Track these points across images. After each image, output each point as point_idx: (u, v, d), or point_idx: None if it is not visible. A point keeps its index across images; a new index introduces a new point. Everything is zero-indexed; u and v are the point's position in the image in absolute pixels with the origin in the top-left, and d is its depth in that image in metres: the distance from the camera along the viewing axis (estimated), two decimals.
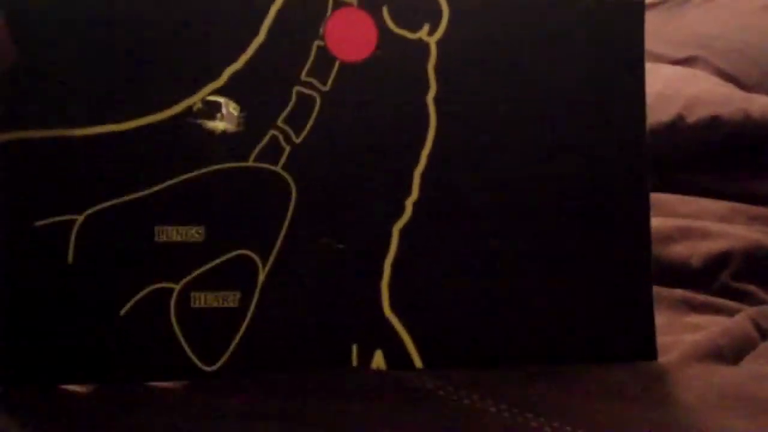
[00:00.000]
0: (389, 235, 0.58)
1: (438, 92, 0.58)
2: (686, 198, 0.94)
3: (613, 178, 0.61)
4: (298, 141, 0.57)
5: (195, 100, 0.56)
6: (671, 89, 1.02)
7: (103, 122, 0.55)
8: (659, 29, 1.35)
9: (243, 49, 0.56)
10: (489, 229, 0.59)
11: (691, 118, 0.98)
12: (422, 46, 0.58)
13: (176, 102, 0.56)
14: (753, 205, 0.94)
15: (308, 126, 0.57)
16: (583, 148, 0.61)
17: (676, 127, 0.98)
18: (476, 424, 0.53)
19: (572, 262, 0.60)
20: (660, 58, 1.23)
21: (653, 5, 1.40)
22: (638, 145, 0.61)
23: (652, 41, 1.26)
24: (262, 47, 0.56)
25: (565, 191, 0.60)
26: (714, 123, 0.97)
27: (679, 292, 0.76)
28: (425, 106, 0.58)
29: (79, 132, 0.55)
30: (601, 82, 0.61)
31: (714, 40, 1.27)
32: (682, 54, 1.26)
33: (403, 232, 0.58)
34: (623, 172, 0.61)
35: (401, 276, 0.58)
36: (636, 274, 0.61)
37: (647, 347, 0.61)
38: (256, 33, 0.56)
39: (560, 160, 0.60)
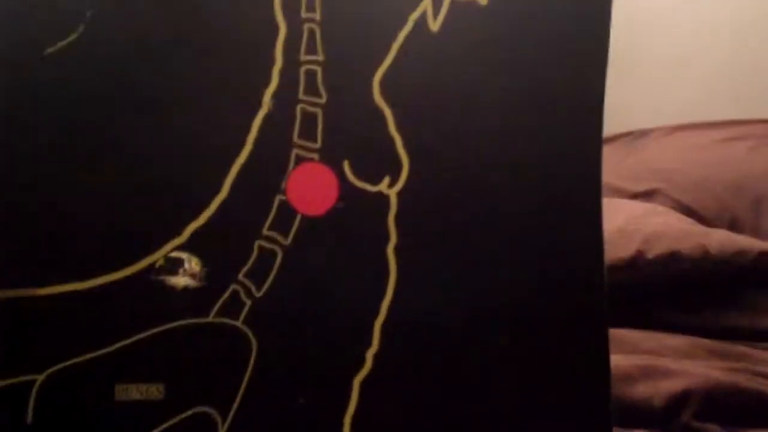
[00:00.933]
0: (350, 387, 0.58)
1: (398, 242, 0.59)
2: (646, 334, 0.95)
3: (572, 315, 0.61)
4: (259, 295, 0.57)
5: (157, 257, 0.57)
6: (631, 225, 1.04)
7: (65, 281, 0.56)
8: (619, 162, 1.39)
9: (205, 206, 0.57)
10: (451, 380, 0.60)
11: (651, 254, 1.00)
12: (383, 198, 0.59)
13: (139, 259, 0.56)
14: (713, 339, 0.95)
15: (269, 280, 0.58)
16: (542, 285, 0.61)
17: (636, 262, 1.00)
18: None
19: (534, 407, 0.61)
20: (620, 191, 1.26)
21: (613, 139, 1.44)
22: (596, 283, 0.62)
23: (612, 175, 1.30)
24: (224, 203, 0.57)
25: (525, 333, 0.61)
26: (673, 258, 0.99)
27: None
28: (385, 257, 0.59)
29: (41, 291, 0.56)
30: (562, 221, 0.62)
31: (673, 173, 1.30)
32: (641, 187, 1.29)
33: (364, 385, 0.58)
34: (582, 310, 0.62)
35: (362, 431, 0.58)
36: (595, 416, 0.61)
37: None
38: (218, 190, 0.57)
39: (520, 303, 0.61)
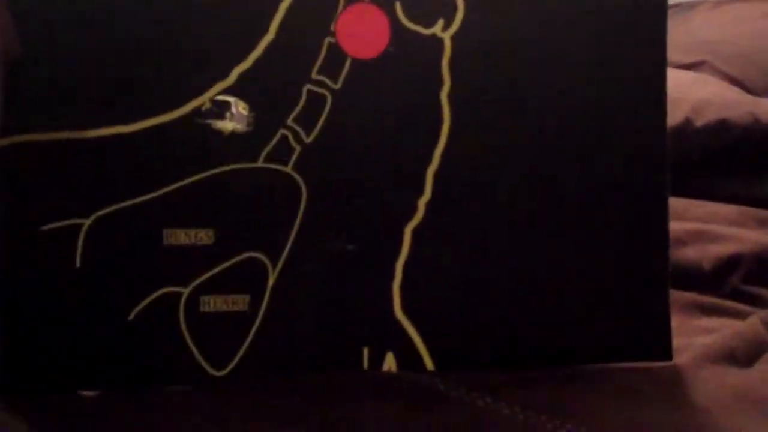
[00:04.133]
0: (401, 235, 0.57)
1: (452, 88, 0.57)
2: (696, 201, 0.93)
3: (633, 180, 0.60)
4: (308, 141, 0.56)
5: (204, 100, 0.55)
6: (679, 93, 1.01)
7: (110, 124, 0.55)
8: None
9: (252, 48, 0.55)
10: (503, 230, 0.58)
11: (699, 122, 0.97)
12: (436, 42, 0.57)
13: (185, 102, 0.55)
14: (762, 208, 0.93)
15: (319, 125, 0.56)
16: (601, 149, 0.59)
17: (684, 130, 0.97)
18: (490, 425, 0.52)
19: (588, 263, 0.59)
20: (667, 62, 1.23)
21: None
22: (659, 148, 0.60)
23: None
24: (271, 45, 0.56)
25: (583, 193, 0.59)
26: (722, 126, 0.97)
27: (690, 296, 0.75)
28: (439, 103, 0.57)
29: (86, 134, 0.54)
30: (621, 84, 0.60)
31: (720, 45, 1.27)
32: (688, 59, 1.26)
33: (416, 233, 0.57)
34: (643, 175, 0.60)
35: (413, 278, 0.57)
36: (653, 277, 0.61)
37: (663, 349, 0.60)
38: (265, 31, 0.56)
39: (579, 161, 0.59)
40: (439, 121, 0.57)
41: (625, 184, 0.60)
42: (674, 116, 0.98)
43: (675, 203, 0.91)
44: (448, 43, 0.57)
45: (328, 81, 0.56)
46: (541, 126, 0.59)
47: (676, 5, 1.44)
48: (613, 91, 0.59)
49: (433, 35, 0.57)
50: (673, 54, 1.26)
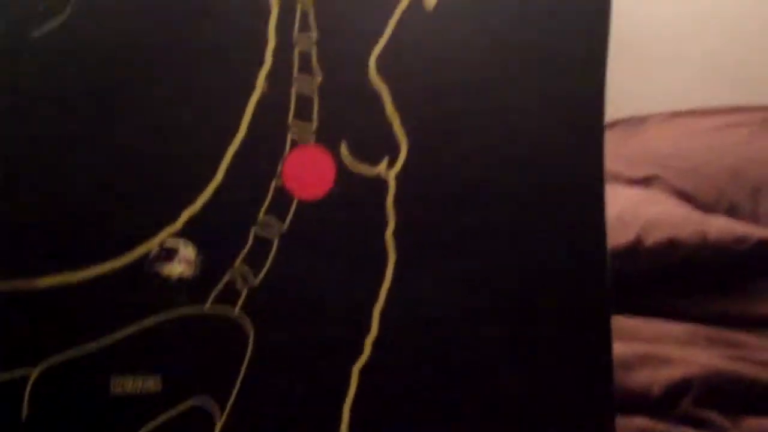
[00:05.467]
0: (349, 376, 0.57)
1: (397, 226, 0.58)
2: (646, 321, 0.94)
3: (575, 302, 0.60)
4: (255, 283, 0.56)
5: (152, 245, 0.55)
6: (629, 212, 1.03)
7: (59, 271, 0.54)
8: (618, 148, 1.38)
9: (201, 191, 0.56)
10: (449, 365, 0.59)
11: (649, 241, 0.99)
12: (381, 181, 0.58)
13: (134, 248, 0.55)
14: (712, 326, 0.94)
15: (266, 267, 0.56)
16: (543, 281, 0.60)
17: (634, 249, 0.99)
18: None
19: (530, 392, 0.59)
20: (619, 177, 1.25)
21: (611, 125, 1.43)
22: (599, 271, 0.61)
23: (610, 160, 1.28)
24: (219, 188, 0.56)
25: (525, 325, 0.60)
26: (672, 245, 0.98)
27: (639, 421, 0.76)
28: (384, 241, 0.58)
29: (35, 284, 0.54)
30: (564, 208, 0.61)
31: (671, 159, 1.30)
32: (640, 173, 1.28)
33: (363, 372, 0.57)
34: (585, 298, 0.61)
35: (361, 419, 0.57)
36: (597, 403, 0.61)
37: None
38: (213, 175, 0.56)
39: (522, 289, 0.60)
40: (385, 259, 0.58)
41: (567, 310, 0.60)
42: (624, 235, 1.00)
43: (624, 322, 0.92)
44: (392, 182, 0.58)
45: (275, 222, 0.57)
46: (484, 262, 0.59)
47: (628, 119, 1.47)
48: (554, 229, 0.60)
49: (378, 174, 0.58)
50: (624, 168, 1.29)
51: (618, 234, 0.98)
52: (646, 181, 1.27)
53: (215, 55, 0.56)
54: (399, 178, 0.58)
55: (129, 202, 0.56)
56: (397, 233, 0.58)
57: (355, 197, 0.58)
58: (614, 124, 1.45)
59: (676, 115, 1.47)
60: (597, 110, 0.61)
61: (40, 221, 0.55)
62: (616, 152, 1.35)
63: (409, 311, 0.58)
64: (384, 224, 0.58)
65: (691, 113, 1.45)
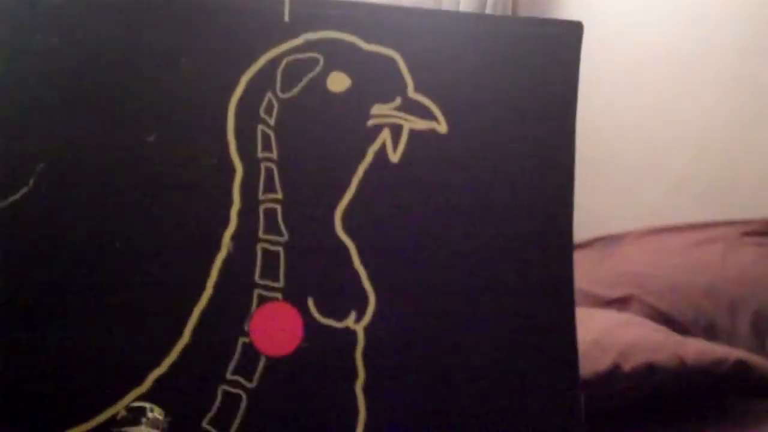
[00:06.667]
0: None
1: (366, 379, 0.58)
2: None
3: None
4: None
5: (119, 408, 0.55)
6: (606, 337, 1.03)
7: None
8: (593, 268, 1.39)
9: (167, 353, 0.56)
10: None
11: (627, 366, 0.99)
12: (350, 334, 0.59)
13: (100, 411, 0.55)
14: None
15: (235, 425, 0.56)
16: (517, 412, 0.60)
17: (612, 375, 0.99)
18: None
19: None
20: (595, 298, 1.26)
21: (586, 244, 1.44)
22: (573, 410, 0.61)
23: (586, 281, 1.29)
24: (186, 349, 0.56)
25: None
26: (649, 370, 0.98)
27: None
28: (354, 394, 0.58)
29: None
30: (531, 346, 0.61)
31: (647, 278, 1.30)
32: (616, 293, 1.29)
33: None
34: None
35: None
36: None
37: None
38: (179, 335, 0.56)
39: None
40: (355, 413, 0.58)
41: None
42: (603, 361, 1.00)
43: None
44: (361, 335, 0.58)
45: (243, 380, 0.57)
46: (461, 406, 0.59)
47: (603, 237, 1.48)
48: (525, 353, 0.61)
49: (346, 328, 0.58)
50: (600, 288, 1.30)
51: (595, 360, 0.98)
52: (622, 301, 1.27)
53: (180, 219, 0.57)
54: (368, 330, 0.59)
55: (94, 367, 0.56)
56: (366, 387, 0.58)
57: (324, 351, 0.58)
58: (589, 243, 1.46)
59: (650, 232, 1.48)
60: (566, 238, 0.63)
61: (12, 388, 0.55)
62: (592, 272, 1.36)
63: None
64: (354, 377, 0.58)
65: (665, 230, 1.46)
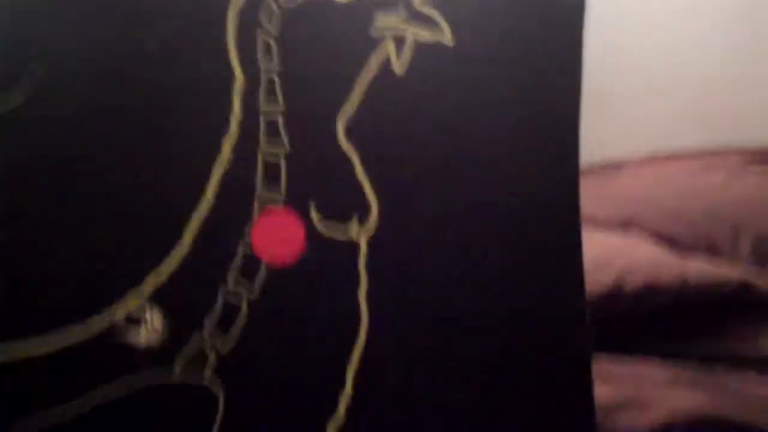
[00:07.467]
0: None
1: (369, 287, 0.58)
2: (627, 363, 0.94)
3: (554, 351, 0.61)
4: (225, 351, 0.56)
5: (117, 310, 0.55)
6: (607, 257, 1.04)
7: (24, 338, 0.54)
8: (595, 193, 1.39)
9: (167, 258, 0.56)
10: (429, 427, 0.58)
11: (628, 286, 0.99)
12: (352, 244, 0.58)
13: (98, 312, 0.55)
14: (695, 368, 0.94)
15: (235, 334, 0.56)
16: (523, 327, 0.60)
17: (613, 295, 0.99)
18: None
19: None
20: (596, 222, 1.26)
21: (588, 171, 1.44)
22: (578, 318, 0.61)
23: (588, 205, 1.29)
24: (186, 257, 0.56)
25: (506, 372, 0.60)
26: (651, 290, 0.98)
27: None
28: (357, 302, 0.58)
29: None
30: (538, 261, 0.61)
31: (648, 202, 1.30)
32: (617, 217, 1.29)
33: None
34: (565, 345, 0.61)
35: None
36: None
37: None
38: (180, 244, 0.56)
39: (500, 344, 0.60)
40: (357, 321, 0.58)
41: (547, 355, 0.61)
42: (603, 281, 1.00)
43: (608, 366, 0.92)
44: (363, 245, 0.58)
45: (244, 289, 0.57)
46: (464, 318, 0.59)
47: (605, 164, 1.48)
48: (533, 280, 0.61)
49: (349, 238, 0.58)
50: (602, 213, 1.30)
51: (596, 280, 0.98)
52: (624, 225, 1.27)
53: (179, 125, 0.57)
54: (370, 240, 0.58)
55: (93, 273, 0.55)
56: (369, 294, 0.58)
57: (326, 261, 0.58)
58: (591, 169, 1.46)
59: (653, 159, 1.48)
60: (572, 161, 0.62)
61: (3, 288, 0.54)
62: (592, 197, 1.36)
63: (383, 372, 0.58)
64: (356, 285, 0.58)
65: (667, 157, 1.46)
